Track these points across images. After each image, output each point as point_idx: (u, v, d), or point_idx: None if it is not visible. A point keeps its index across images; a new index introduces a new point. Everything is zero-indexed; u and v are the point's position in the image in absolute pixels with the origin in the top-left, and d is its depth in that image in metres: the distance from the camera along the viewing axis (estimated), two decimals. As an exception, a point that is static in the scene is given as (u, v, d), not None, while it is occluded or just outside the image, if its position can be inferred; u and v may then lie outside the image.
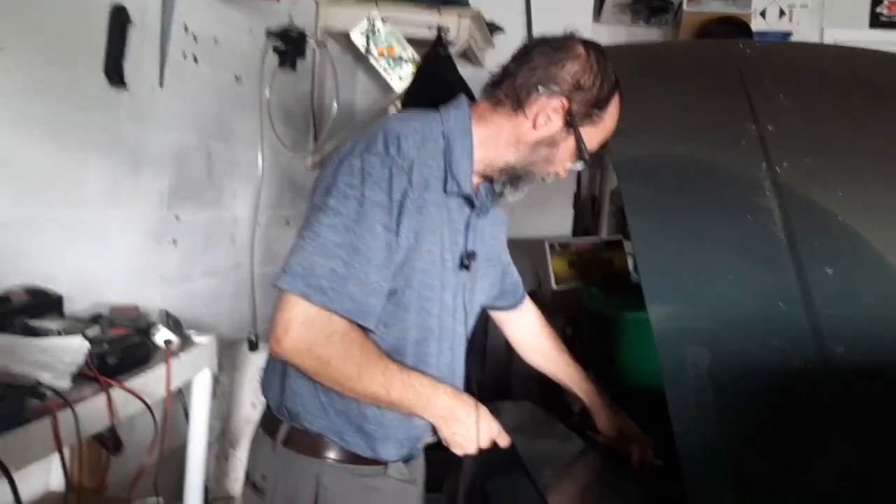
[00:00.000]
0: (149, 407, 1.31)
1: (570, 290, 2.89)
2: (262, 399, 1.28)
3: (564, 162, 1.24)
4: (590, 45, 1.21)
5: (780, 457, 1.15)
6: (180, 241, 2.09)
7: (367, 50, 2.74)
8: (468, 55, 3.08)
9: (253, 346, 2.31)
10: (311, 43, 2.50)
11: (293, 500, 1.17)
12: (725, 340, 1.23)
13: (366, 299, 1.08)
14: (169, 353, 1.45)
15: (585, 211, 3.55)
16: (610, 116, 1.23)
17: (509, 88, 1.20)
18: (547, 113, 1.18)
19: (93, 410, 1.23)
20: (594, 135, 1.22)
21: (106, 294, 1.74)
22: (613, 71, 1.21)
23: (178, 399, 1.66)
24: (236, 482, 2.16)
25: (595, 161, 3.66)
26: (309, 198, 1.18)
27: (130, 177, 1.85)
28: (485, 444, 1.23)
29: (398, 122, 1.16)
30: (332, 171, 1.11)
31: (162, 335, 1.47)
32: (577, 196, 3.53)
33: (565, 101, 1.17)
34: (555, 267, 2.92)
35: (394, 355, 1.16)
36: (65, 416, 1.13)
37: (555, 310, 3.07)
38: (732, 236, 1.35)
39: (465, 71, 2.88)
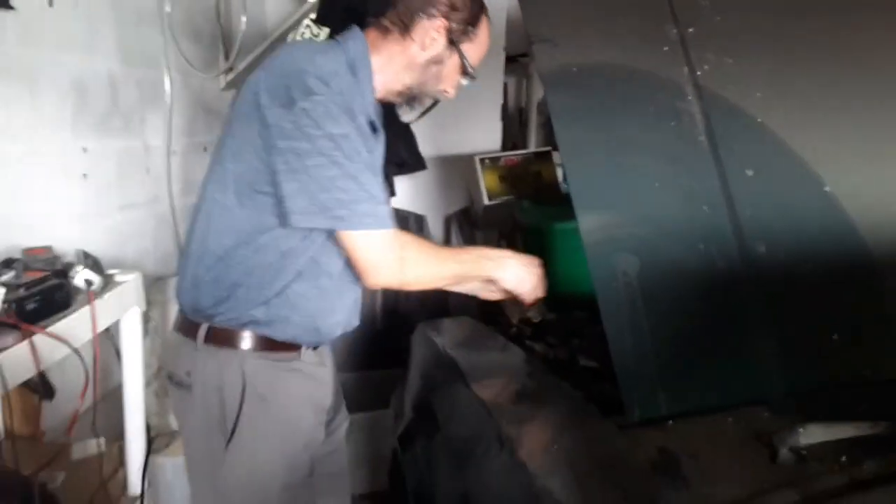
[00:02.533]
0: (76, 351, 1.26)
1: (502, 204, 2.91)
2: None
3: (452, 78, 1.41)
4: None
5: (709, 354, 1.21)
6: (91, 175, 1.97)
7: (276, -43, 2.57)
8: (384, -38, 2.94)
9: (182, 280, 2.24)
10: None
11: (221, 387, 1.30)
12: (653, 246, 1.27)
13: (376, 208, 1.24)
14: (91, 293, 1.39)
15: (513, 124, 3.54)
16: (483, 33, 1.40)
17: (394, 17, 1.35)
18: (431, 34, 1.34)
19: (17, 358, 1.18)
20: (473, 50, 1.39)
21: (16, 237, 1.63)
22: None
23: (109, 339, 1.61)
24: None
25: (520, 71, 3.63)
26: (241, 127, 1.27)
27: (28, 105, 1.71)
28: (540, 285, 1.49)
29: (318, 56, 1.26)
30: (283, 118, 1.20)
31: (82, 276, 1.40)
32: (504, 109, 3.50)
33: (445, 21, 1.34)
34: (486, 182, 2.91)
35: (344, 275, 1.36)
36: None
37: (488, 224, 3.10)
38: (657, 142, 1.37)
39: (380, -21, 2.75)
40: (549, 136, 3.45)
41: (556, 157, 3.09)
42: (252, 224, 1.28)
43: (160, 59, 2.25)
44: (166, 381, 1.41)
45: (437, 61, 1.37)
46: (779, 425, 1.07)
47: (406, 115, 1.48)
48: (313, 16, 2.74)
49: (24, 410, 1.56)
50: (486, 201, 2.93)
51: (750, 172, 1.31)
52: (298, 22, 2.82)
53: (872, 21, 1.51)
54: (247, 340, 1.31)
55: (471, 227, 3.32)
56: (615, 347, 1.16)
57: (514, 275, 1.46)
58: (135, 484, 1.68)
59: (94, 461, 1.58)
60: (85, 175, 1.96)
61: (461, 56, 1.37)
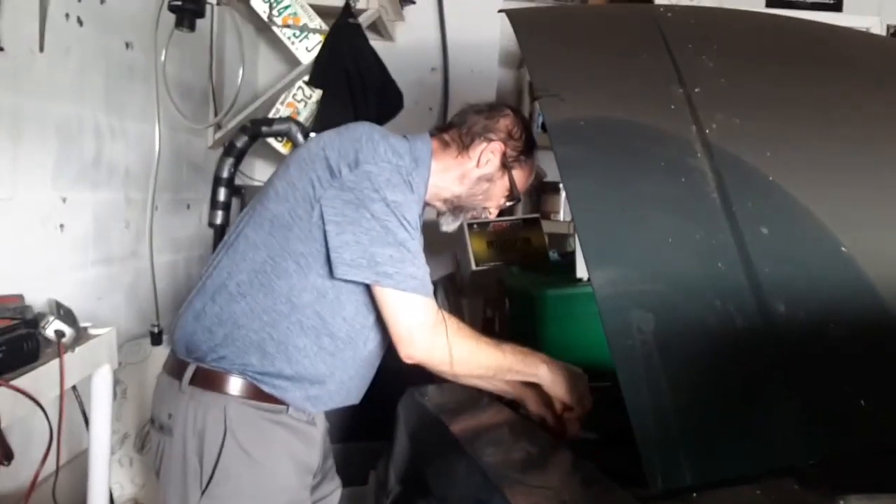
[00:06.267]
0: (41, 407, 1.14)
1: (490, 270, 2.85)
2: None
3: (498, 199, 1.52)
4: (515, 108, 1.56)
5: (730, 416, 1.13)
6: (68, 226, 1.88)
7: (270, 18, 2.57)
8: (378, 28, 2.97)
9: (156, 340, 2.12)
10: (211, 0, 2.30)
11: (202, 432, 1.27)
12: (669, 303, 1.20)
13: (424, 275, 1.30)
14: (62, 346, 1.28)
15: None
16: (531, 164, 1.54)
17: (455, 135, 1.48)
18: (488, 154, 1.46)
19: (-27, 415, 1.06)
20: (521, 178, 1.51)
21: (-17, 286, 1.53)
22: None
23: (75, 400, 1.48)
24: (143, 488, 1.98)
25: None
26: (297, 171, 1.32)
27: (10, 152, 1.64)
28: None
29: (391, 136, 1.37)
30: (346, 175, 1.27)
31: (53, 326, 1.30)
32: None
33: (502, 146, 1.47)
34: (474, 247, 2.87)
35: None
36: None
37: (475, 291, 3.03)
38: (668, 198, 1.33)
39: (375, 45, 2.77)
40: (536, 204, 3.43)
41: (544, 224, 3.07)
42: (272, 265, 1.30)
43: (150, 111, 2.20)
44: (149, 424, 1.39)
45: (488, 179, 1.48)
46: (810, 498, 0.99)
47: (447, 226, 1.54)
48: (306, 78, 2.75)
49: (-23, 476, 1.41)
50: (473, 266, 2.87)
51: (765, 230, 1.27)
52: (291, 83, 2.82)
53: (881, 85, 1.51)
54: (234, 386, 1.29)
55: (457, 293, 3.25)
56: (633, 407, 1.07)
57: (554, 378, 1.42)
58: (94, 561, 1.52)
59: (51, 535, 1.43)
60: (62, 226, 1.87)
61: (511, 179, 1.48)
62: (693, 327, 1.18)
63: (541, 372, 1.41)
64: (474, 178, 1.47)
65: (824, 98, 1.53)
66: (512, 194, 1.51)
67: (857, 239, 1.29)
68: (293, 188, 1.31)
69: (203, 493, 1.26)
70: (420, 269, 1.30)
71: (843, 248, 1.27)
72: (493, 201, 1.52)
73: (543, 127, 3.22)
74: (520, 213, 3.52)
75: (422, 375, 1.87)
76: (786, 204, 1.32)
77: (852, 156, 1.42)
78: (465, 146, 1.47)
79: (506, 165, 1.48)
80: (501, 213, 3.45)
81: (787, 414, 1.12)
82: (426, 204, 1.50)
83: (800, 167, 1.39)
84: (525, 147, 1.50)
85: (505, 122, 1.50)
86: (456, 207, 1.51)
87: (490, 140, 1.47)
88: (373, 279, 1.26)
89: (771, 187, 1.33)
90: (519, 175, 1.51)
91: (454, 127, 1.51)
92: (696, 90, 1.46)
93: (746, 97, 1.49)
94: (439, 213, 1.53)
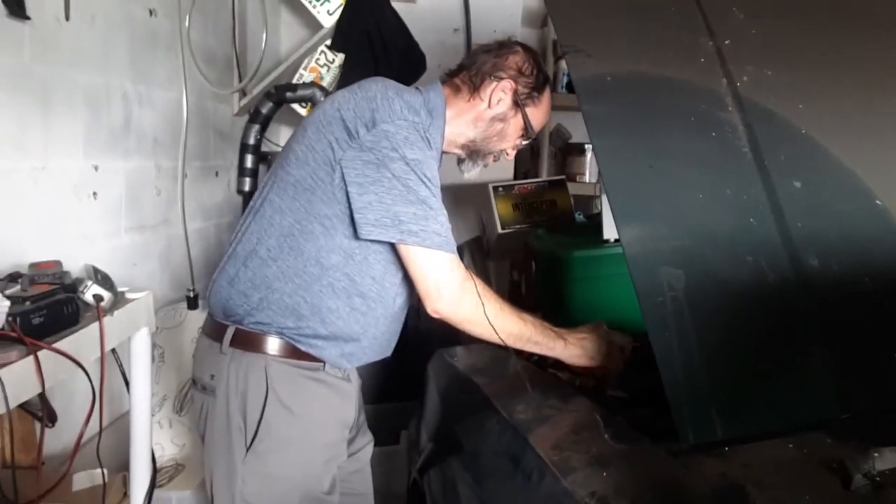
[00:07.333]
0: (84, 369, 1.18)
1: (516, 232, 2.85)
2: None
3: (514, 139, 1.50)
4: (524, 44, 1.51)
5: (762, 371, 1.13)
6: (101, 194, 1.91)
7: (291, -19, 2.55)
8: (399, -11, 2.92)
9: (192, 305, 2.16)
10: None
11: (244, 391, 1.31)
12: (699, 259, 1.20)
13: (447, 232, 1.30)
14: (101, 309, 1.31)
15: (525, 155, 3.49)
16: (546, 101, 1.50)
17: (465, 77, 1.46)
18: (499, 93, 1.44)
19: (19, 377, 1.09)
20: (535, 115, 1.49)
21: (22, 254, 1.56)
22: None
23: (115, 363, 1.52)
24: (183, 448, 2.04)
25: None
26: (315, 134, 1.32)
27: (40, 121, 1.65)
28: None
29: (404, 92, 1.36)
30: (364, 136, 1.27)
31: (91, 291, 1.33)
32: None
33: (512, 84, 1.44)
34: (500, 210, 2.86)
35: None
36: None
37: (501, 254, 3.04)
38: (699, 153, 1.31)
39: (396, 6, 2.73)
40: (561, 166, 3.40)
41: (570, 186, 3.05)
42: (299, 229, 1.31)
43: (176, 78, 2.21)
44: (191, 386, 1.43)
45: (501, 119, 1.46)
46: (843, 451, 0.99)
47: (469, 172, 1.52)
48: (329, 42, 2.73)
49: (24, 437, 1.46)
50: (499, 230, 2.87)
51: (798, 184, 1.25)
52: (314, 48, 2.81)
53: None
54: (273, 346, 1.32)
55: (483, 256, 3.25)
56: (664, 363, 1.08)
57: (571, 353, 1.44)
58: (138, 518, 1.57)
59: (97, 493, 1.48)
60: (95, 194, 1.89)
61: (524, 117, 1.46)
62: (724, 283, 1.17)
63: (558, 347, 1.43)
64: (487, 119, 1.45)
65: (857, 50, 1.49)
66: (527, 133, 1.49)
67: (892, 191, 1.27)
68: (312, 151, 1.32)
69: (248, 449, 1.30)
70: (443, 226, 1.30)
71: (877, 201, 1.25)
72: (508, 142, 1.50)
73: (569, 87, 3.18)
74: (545, 176, 3.50)
75: (450, 337, 1.90)
76: (819, 157, 1.30)
77: (886, 108, 1.39)
78: (475, 87, 1.44)
79: (518, 103, 1.45)
80: (526, 174, 3.46)
81: (819, 368, 1.12)
82: (444, 152, 1.49)
83: (833, 119, 1.36)
84: (537, 83, 1.46)
85: (514, 58, 1.46)
86: (473, 152, 1.49)
87: (500, 78, 1.44)
88: (398, 238, 1.27)
89: (803, 140, 1.31)
90: (533, 112, 1.48)
91: (464, 69, 1.48)
92: (726, 42, 1.43)
93: (778, 49, 1.46)
94: (459, 161, 1.52)
